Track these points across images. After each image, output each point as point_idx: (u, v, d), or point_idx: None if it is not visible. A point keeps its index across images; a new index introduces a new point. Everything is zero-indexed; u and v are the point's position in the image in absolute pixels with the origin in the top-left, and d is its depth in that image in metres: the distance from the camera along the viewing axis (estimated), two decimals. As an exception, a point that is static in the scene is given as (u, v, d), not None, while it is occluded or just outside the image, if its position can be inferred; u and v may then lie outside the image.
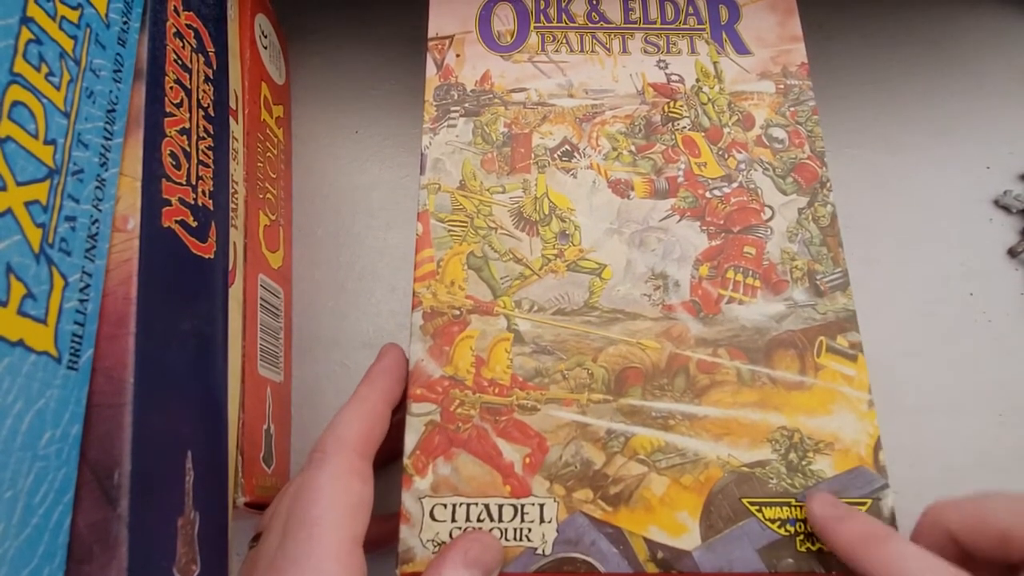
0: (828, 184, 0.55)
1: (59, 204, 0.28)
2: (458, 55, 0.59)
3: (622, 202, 0.54)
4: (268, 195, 0.50)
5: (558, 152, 0.56)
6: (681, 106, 0.58)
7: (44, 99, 0.28)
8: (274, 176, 0.52)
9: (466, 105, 0.58)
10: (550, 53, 0.59)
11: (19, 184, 0.26)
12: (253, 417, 0.44)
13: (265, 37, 0.52)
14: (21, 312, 0.26)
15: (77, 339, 0.29)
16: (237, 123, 0.46)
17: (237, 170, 0.45)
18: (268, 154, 0.50)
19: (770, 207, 0.54)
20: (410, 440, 0.47)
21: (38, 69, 0.28)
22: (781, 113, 0.57)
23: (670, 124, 0.57)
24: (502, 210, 0.54)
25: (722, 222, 0.54)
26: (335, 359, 0.55)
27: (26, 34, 0.27)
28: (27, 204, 0.27)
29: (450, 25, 0.60)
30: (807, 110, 0.57)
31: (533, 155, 0.56)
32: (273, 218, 0.51)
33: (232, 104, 0.45)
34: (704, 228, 0.53)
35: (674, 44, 0.60)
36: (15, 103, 0.27)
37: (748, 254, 0.53)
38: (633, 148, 0.56)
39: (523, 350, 0.50)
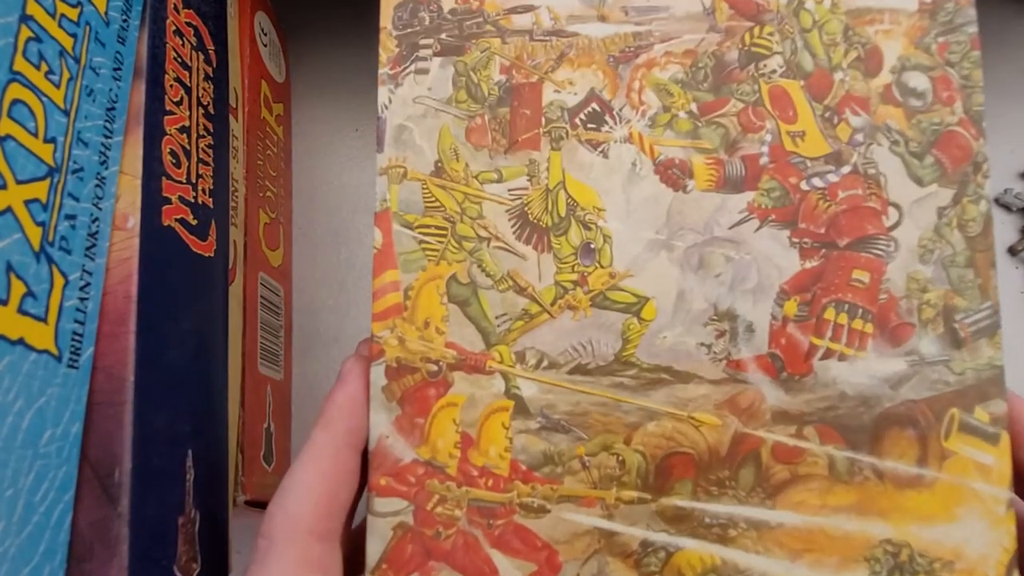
0: (985, 166, 0.35)
1: (59, 202, 0.28)
2: None
3: (675, 197, 0.35)
4: (268, 193, 0.49)
5: (582, 114, 0.36)
6: (771, 35, 0.36)
7: (44, 97, 0.28)
8: (274, 174, 0.50)
9: (442, 36, 0.37)
10: None
11: (19, 182, 0.26)
12: (253, 415, 0.43)
13: (265, 35, 0.50)
14: (21, 311, 0.26)
15: (77, 337, 0.29)
16: (237, 121, 0.44)
17: (237, 168, 0.44)
18: (268, 152, 0.49)
19: (896, 206, 0.35)
20: (373, 550, 0.33)
21: (38, 67, 0.28)
22: (924, 47, 0.36)
23: (752, 66, 0.36)
24: (497, 210, 0.35)
25: (823, 231, 0.35)
26: (335, 357, 0.53)
27: (26, 32, 0.27)
28: (27, 202, 0.27)
29: None
30: (964, 41, 0.36)
31: (544, 120, 0.36)
32: (273, 216, 0.49)
33: (232, 102, 0.44)
34: (796, 241, 0.35)
35: (765, -73, 0.37)
36: (15, 101, 0.26)
37: (858, 283, 0.34)
38: (694, 107, 0.36)
39: (527, 425, 0.34)
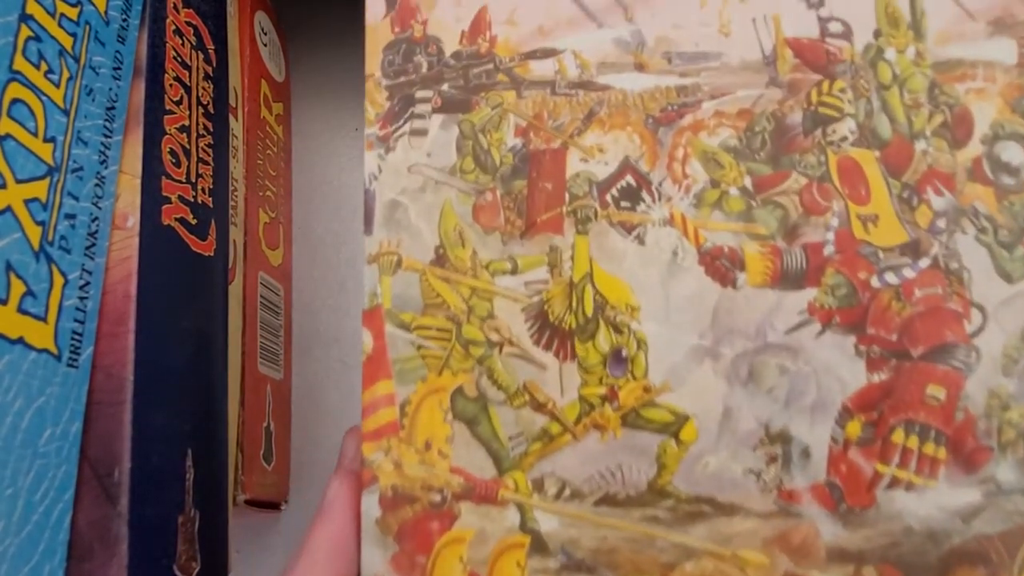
0: (1083, 260, 0.29)
1: (59, 202, 0.28)
2: None
3: (723, 294, 0.29)
4: (268, 192, 0.48)
5: (614, 190, 0.29)
6: (842, 91, 0.30)
7: (43, 97, 0.28)
8: (274, 174, 0.49)
9: (444, 87, 0.29)
10: None
11: (19, 182, 0.26)
12: (253, 414, 0.42)
13: (265, 34, 0.50)
14: (21, 310, 0.26)
15: (77, 337, 0.29)
16: (237, 121, 0.43)
17: (237, 168, 0.43)
18: (268, 151, 0.48)
19: (980, 307, 0.29)
20: None
21: (37, 67, 0.28)
22: (1022, 111, 0.30)
23: (819, 131, 0.30)
24: (512, 308, 0.29)
25: (895, 337, 0.29)
26: (335, 356, 0.52)
27: (25, 31, 0.27)
28: (27, 202, 0.27)
29: None
30: (1071, 107, 0.30)
31: (568, 196, 0.29)
32: (273, 215, 0.48)
33: (232, 102, 0.43)
34: (863, 349, 0.29)
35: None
36: (14, 100, 0.26)
37: (933, 399, 0.29)
38: (749, 183, 0.30)
39: (546, 565, 0.29)
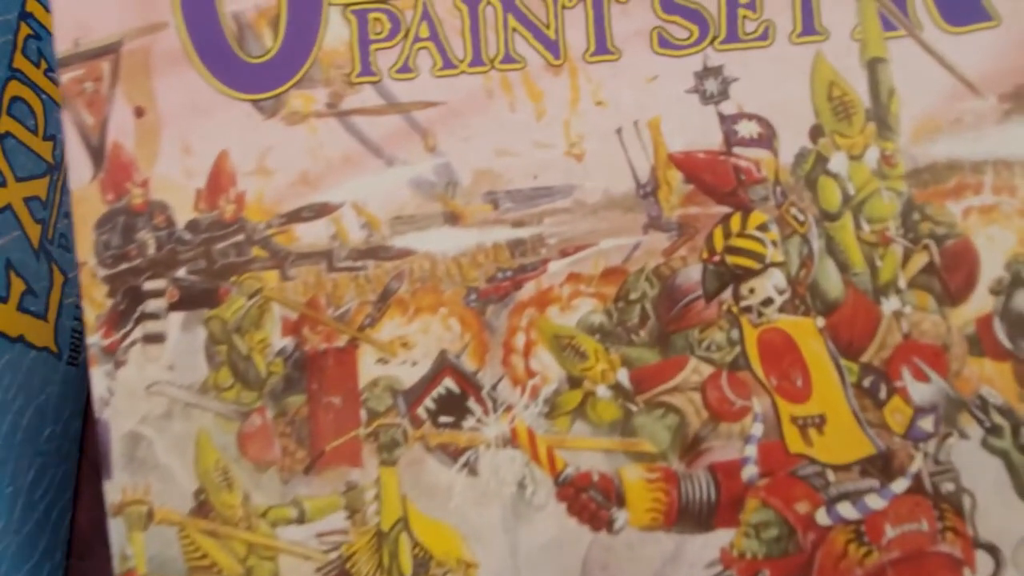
0: None
1: (59, 200, 0.27)
2: (141, 110, 0.19)
3: (595, 541, 0.19)
4: None
5: (428, 400, 0.20)
6: (762, 229, 0.18)
7: (43, 95, 0.27)
8: None
9: (180, 273, 0.20)
10: (393, 75, 0.19)
11: (19, 180, 0.25)
12: None
13: None
14: (21, 308, 0.25)
15: (77, 335, 0.27)
16: None
17: None
18: None
19: (989, 548, 0.18)
20: None
21: (37, 65, 0.27)
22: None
23: (731, 293, 0.19)
24: (303, 569, 0.20)
25: None
26: None
27: (25, 29, 0.26)
28: (26, 200, 0.25)
29: (105, 18, 0.19)
30: None
31: (365, 413, 0.20)
32: None
33: None
34: None
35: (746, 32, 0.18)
36: (14, 99, 0.26)
37: None
38: (625, 378, 0.19)
39: None
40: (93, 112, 0.20)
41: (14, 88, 0.26)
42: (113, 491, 0.21)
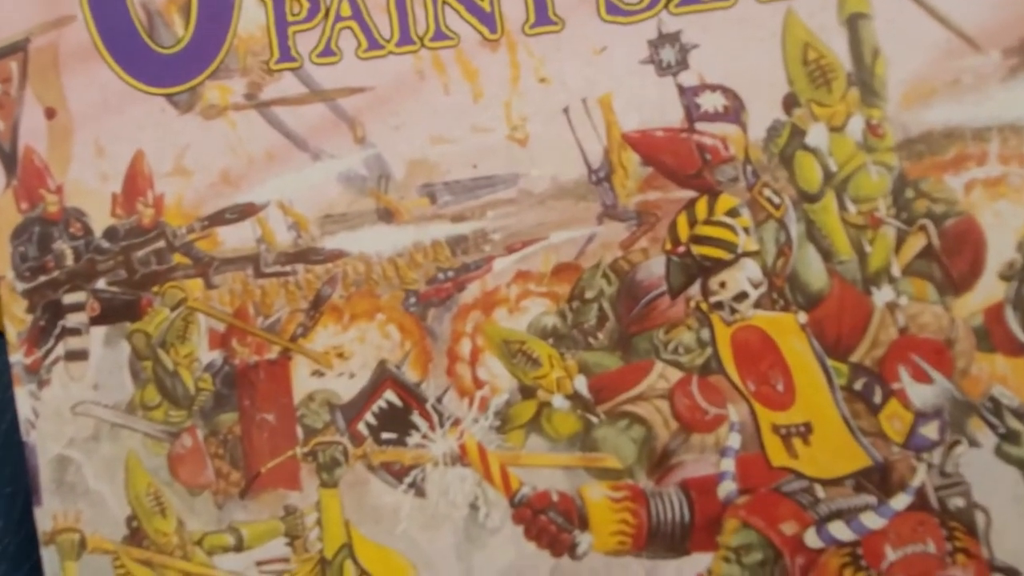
0: None
1: None
2: (52, 111, 0.18)
3: (555, 568, 0.17)
4: None
5: (368, 415, 0.17)
6: (732, 214, 0.16)
7: None
8: None
9: (100, 284, 0.18)
10: (314, 59, 0.17)
11: None
12: None
13: None
14: None
15: None
16: None
17: None
18: None
19: (1007, 572, 0.15)
20: None
21: None
22: None
23: (699, 287, 0.16)
24: None
25: None
26: None
27: None
28: None
29: (10, 13, 0.18)
30: None
31: (301, 431, 0.18)
32: None
33: None
34: None
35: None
36: None
37: None
38: (583, 386, 0.17)
39: None
40: (3, 116, 0.19)
41: None
42: (44, 518, 0.20)
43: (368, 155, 0.18)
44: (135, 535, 0.19)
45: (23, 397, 0.19)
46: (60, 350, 0.19)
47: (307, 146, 0.18)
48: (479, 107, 0.17)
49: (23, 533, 0.23)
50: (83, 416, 0.19)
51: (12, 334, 0.19)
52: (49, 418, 0.19)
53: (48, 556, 0.20)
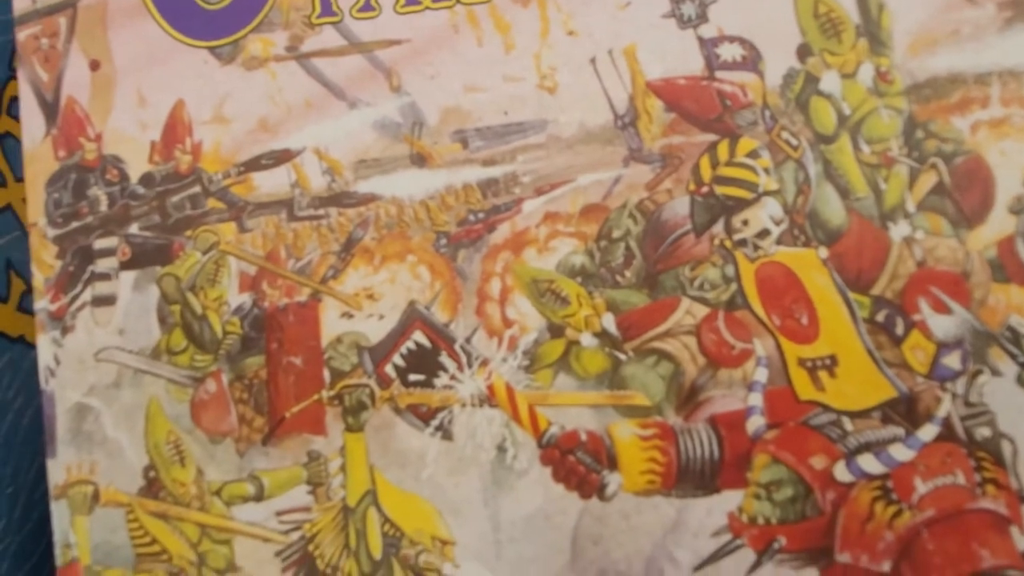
0: None
1: None
2: (96, 64, 0.18)
3: (584, 510, 0.16)
4: None
5: (397, 357, 0.17)
6: (753, 155, 0.16)
7: None
8: None
9: (132, 229, 0.18)
10: (354, 14, 0.17)
11: (19, 180, 0.24)
12: None
13: None
14: (21, 308, 0.25)
15: None
16: None
17: None
18: None
19: None
20: None
21: None
22: None
23: (722, 226, 0.16)
24: (262, 552, 0.18)
25: (887, 569, 0.15)
26: None
27: None
28: (26, 200, 0.24)
29: None
30: None
31: (328, 374, 0.17)
32: None
33: None
34: None
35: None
36: (14, 99, 0.24)
37: None
38: (611, 324, 0.17)
39: None
40: (48, 68, 0.19)
41: (14, 88, 0.25)
42: (57, 470, 0.19)
43: (403, 103, 0.18)
44: (151, 486, 0.19)
45: (45, 345, 0.19)
46: (87, 296, 0.19)
47: (344, 95, 0.18)
48: (510, 58, 0.18)
49: (24, 532, 0.23)
50: (106, 362, 0.19)
51: (39, 281, 0.19)
52: (70, 365, 0.19)
53: (58, 511, 0.19)
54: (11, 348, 0.24)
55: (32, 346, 0.25)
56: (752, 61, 0.17)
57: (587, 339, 0.18)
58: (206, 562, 0.18)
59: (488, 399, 0.18)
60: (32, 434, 0.25)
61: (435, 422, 0.18)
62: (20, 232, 0.26)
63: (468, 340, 0.18)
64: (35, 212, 0.19)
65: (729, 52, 0.17)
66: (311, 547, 0.18)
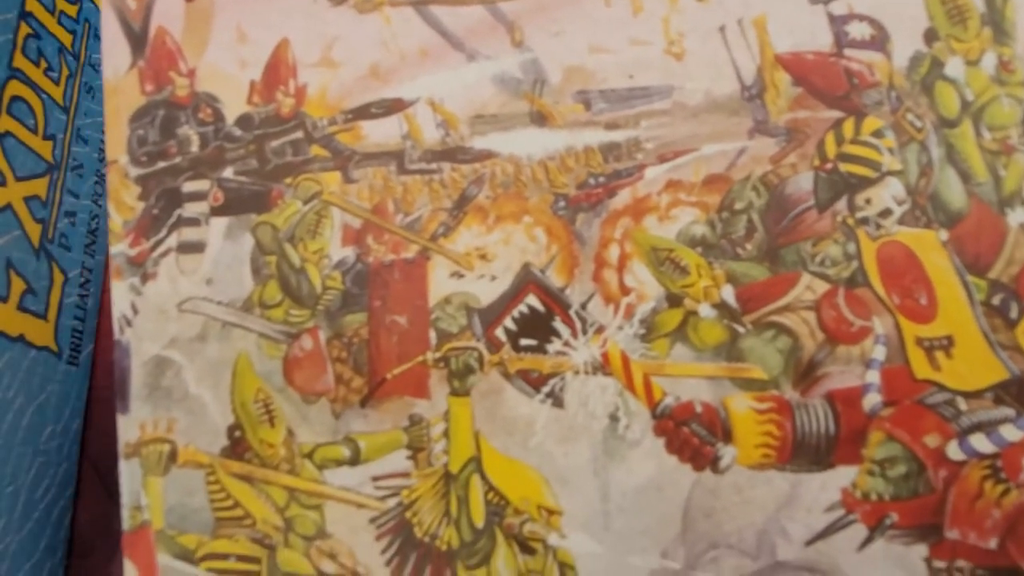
0: None
1: (59, 199, 0.27)
2: None
3: (697, 482, 0.16)
4: None
5: (508, 320, 0.16)
6: (878, 135, 0.16)
7: (43, 94, 0.26)
8: None
9: (227, 173, 0.16)
10: None
11: (18, 179, 0.25)
12: None
13: None
14: (21, 307, 0.25)
15: (77, 334, 0.27)
16: None
17: None
18: None
19: None
20: None
21: (37, 64, 0.26)
22: None
23: (845, 203, 0.16)
24: (356, 519, 0.16)
25: (994, 545, 0.15)
26: None
27: (25, 29, 0.26)
28: (26, 199, 0.25)
29: None
30: None
31: (434, 335, 0.16)
32: None
33: None
34: (941, 567, 0.16)
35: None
36: (14, 98, 0.25)
37: None
38: (729, 295, 0.16)
39: None
40: (137, -6, 0.17)
41: (14, 88, 0.26)
42: (129, 427, 0.17)
43: (525, 59, 0.17)
44: (236, 447, 0.17)
45: (121, 292, 0.17)
46: (172, 241, 0.17)
47: (463, 46, 0.17)
48: (638, 21, 0.17)
49: (24, 532, 0.23)
50: (191, 313, 0.17)
51: (117, 223, 0.17)
52: (150, 316, 0.17)
53: (128, 471, 0.17)
54: (11, 348, 0.24)
55: (32, 346, 0.25)
56: (880, 41, 0.17)
57: (705, 310, 0.17)
58: (293, 528, 0.17)
59: (602, 367, 0.17)
60: (32, 434, 0.25)
61: (546, 389, 0.17)
62: (20, 231, 0.26)
63: (583, 306, 0.17)
64: (116, 149, 0.17)
65: (858, 31, 0.17)
66: (408, 514, 0.17)
